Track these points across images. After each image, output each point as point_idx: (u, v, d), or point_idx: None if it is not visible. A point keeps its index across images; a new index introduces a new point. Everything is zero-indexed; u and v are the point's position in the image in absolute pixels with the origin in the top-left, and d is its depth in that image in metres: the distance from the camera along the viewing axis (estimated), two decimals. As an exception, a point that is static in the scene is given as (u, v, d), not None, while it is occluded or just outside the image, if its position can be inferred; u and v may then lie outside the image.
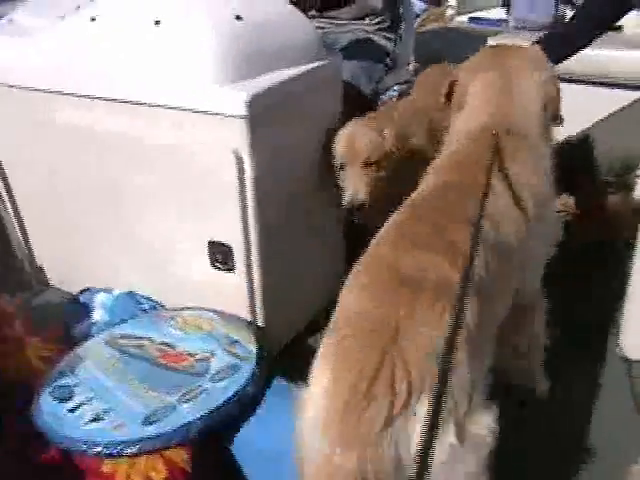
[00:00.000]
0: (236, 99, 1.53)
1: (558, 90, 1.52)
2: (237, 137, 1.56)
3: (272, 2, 1.81)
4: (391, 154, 1.80)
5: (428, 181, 1.33)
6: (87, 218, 1.94)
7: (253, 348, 1.59)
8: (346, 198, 1.77)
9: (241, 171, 1.59)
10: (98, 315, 1.87)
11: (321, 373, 1.00)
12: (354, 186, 1.77)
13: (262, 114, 1.57)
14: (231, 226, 1.65)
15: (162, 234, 1.79)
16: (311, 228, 1.92)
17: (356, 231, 1.78)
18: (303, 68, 1.74)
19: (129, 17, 1.70)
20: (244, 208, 1.63)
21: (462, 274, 0.94)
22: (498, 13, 3.57)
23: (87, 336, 1.74)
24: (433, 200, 1.25)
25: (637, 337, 1.83)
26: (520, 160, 1.36)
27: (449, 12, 3.89)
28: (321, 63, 1.80)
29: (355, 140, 1.78)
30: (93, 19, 1.74)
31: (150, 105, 1.62)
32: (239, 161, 1.58)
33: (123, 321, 1.77)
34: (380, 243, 1.16)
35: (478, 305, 1.08)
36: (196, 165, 1.64)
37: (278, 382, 1.53)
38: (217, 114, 1.56)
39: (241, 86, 1.57)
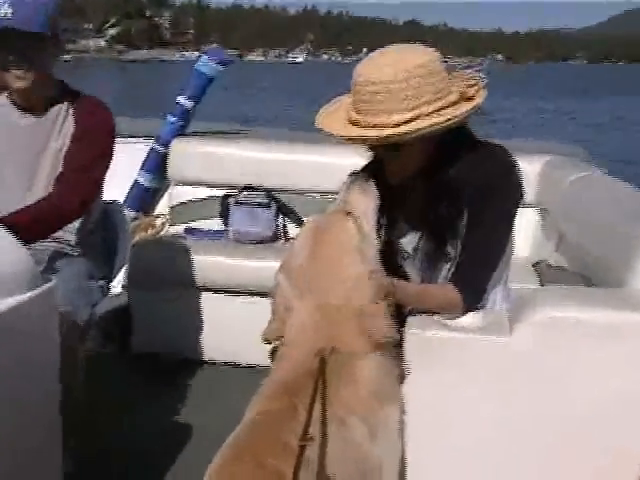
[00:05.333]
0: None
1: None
2: None
3: None
4: None
5: (250, 411, 1.73)
6: None
7: None
8: None
9: None
10: None
11: None
12: None
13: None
14: None
15: None
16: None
17: None
18: (13, 299, 1.88)
19: None
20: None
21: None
22: (216, 224, 4.06)
23: None
24: (252, 433, 1.65)
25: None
26: (346, 377, 1.76)
27: (159, 221, 4.30)
28: (36, 292, 1.95)
29: None
30: None
31: None
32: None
33: None
34: None
35: None
36: None
37: None
38: None
39: None
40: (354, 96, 1.96)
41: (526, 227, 3.75)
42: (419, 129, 1.87)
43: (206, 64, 4.33)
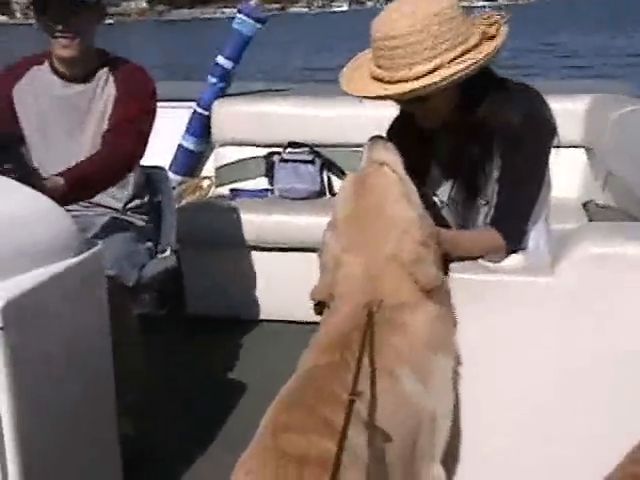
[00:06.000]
0: (-14, 307, 1.66)
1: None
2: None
3: (22, 194, 1.99)
4: None
5: (302, 366, 1.75)
6: None
7: None
8: None
9: None
10: None
11: None
12: None
13: (20, 322, 1.72)
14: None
15: None
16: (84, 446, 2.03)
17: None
18: (63, 264, 1.92)
19: None
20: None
21: (337, 447, 1.36)
22: (261, 183, 4.08)
23: None
24: (303, 385, 1.67)
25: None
26: (395, 326, 1.75)
27: (206, 183, 4.34)
28: (82, 257, 2.00)
29: None
30: None
31: None
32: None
33: None
34: (262, 434, 1.52)
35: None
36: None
37: None
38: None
39: None
40: (374, 52, 1.95)
41: (574, 168, 3.71)
42: (442, 79, 1.85)
43: (243, 22, 4.31)
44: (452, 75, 1.86)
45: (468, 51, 1.88)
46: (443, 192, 2.17)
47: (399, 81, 1.89)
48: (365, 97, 2.01)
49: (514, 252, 2.04)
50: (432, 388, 1.76)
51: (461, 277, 1.95)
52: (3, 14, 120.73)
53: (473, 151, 2.07)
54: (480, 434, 1.98)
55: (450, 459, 1.90)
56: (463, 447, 1.98)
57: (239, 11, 4.38)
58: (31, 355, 1.78)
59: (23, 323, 1.73)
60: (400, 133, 2.18)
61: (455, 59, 1.87)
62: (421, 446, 1.75)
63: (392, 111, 2.17)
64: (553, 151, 2.09)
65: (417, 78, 1.86)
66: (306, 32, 52.98)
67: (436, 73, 1.86)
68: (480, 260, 2.02)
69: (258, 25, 4.33)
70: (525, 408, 1.97)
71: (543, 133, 2.04)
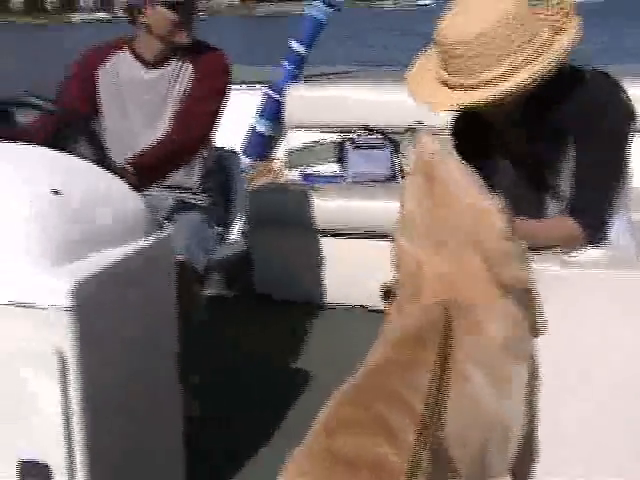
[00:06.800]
0: (58, 288, 1.65)
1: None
2: (59, 333, 1.66)
3: (95, 175, 1.99)
4: None
5: (369, 359, 1.64)
6: None
7: None
8: None
9: (64, 374, 1.67)
10: None
11: None
12: None
13: (90, 303, 1.70)
14: (51, 443, 1.69)
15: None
16: (149, 428, 2.03)
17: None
18: (133, 246, 1.91)
19: None
20: (67, 421, 1.69)
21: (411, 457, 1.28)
22: (332, 167, 4.03)
23: None
24: (367, 382, 1.56)
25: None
26: (470, 328, 1.63)
27: (277, 166, 4.32)
28: (152, 239, 1.99)
29: None
30: None
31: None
32: (62, 362, 1.66)
33: None
34: (317, 431, 1.44)
35: None
36: (6, 367, 1.69)
37: None
38: (34, 306, 1.65)
39: (63, 271, 1.69)
40: (442, 55, 1.87)
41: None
42: (512, 87, 1.78)
43: (315, 7, 4.30)
44: (523, 81, 1.78)
45: (539, 50, 1.80)
46: (503, 188, 2.07)
47: (471, 87, 1.82)
48: (442, 109, 1.94)
49: (593, 244, 1.94)
50: (506, 396, 1.64)
51: (538, 269, 1.85)
52: (105, 10, 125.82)
53: (540, 145, 1.98)
54: (556, 441, 1.84)
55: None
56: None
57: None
58: (99, 336, 1.77)
59: (92, 304, 1.72)
60: (464, 127, 2.11)
61: (526, 59, 1.79)
62: (491, 457, 1.63)
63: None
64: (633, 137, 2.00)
65: (487, 84, 1.79)
66: (387, 25, 52.66)
67: (508, 78, 1.78)
68: (559, 253, 1.92)
69: (330, 10, 4.31)
70: (609, 405, 1.82)
71: (621, 120, 1.95)
